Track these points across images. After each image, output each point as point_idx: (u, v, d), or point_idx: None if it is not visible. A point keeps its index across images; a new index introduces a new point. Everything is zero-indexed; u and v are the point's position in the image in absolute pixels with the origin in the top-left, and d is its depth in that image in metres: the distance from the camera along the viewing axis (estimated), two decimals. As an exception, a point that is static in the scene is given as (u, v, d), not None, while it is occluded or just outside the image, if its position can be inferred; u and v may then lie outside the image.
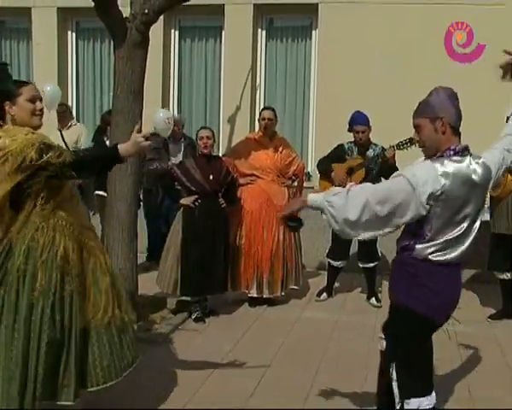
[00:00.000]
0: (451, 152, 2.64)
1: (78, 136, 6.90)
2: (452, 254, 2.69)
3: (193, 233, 5.15)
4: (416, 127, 2.71)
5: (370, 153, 5.74)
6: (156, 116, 6.11)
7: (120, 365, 3.18)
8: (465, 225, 2.68)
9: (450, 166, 2.60)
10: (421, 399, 2.78)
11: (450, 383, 4.09)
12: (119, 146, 2.98)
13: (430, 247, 2.65)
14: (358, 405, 3.69)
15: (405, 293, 2.70)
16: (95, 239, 3.24)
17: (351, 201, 2.54)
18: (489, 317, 5.53)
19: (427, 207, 2.56)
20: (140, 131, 3.04)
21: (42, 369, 2.90)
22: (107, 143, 5.66)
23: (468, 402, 3.82)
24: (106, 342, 3.13)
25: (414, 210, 2.55)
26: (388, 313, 2.93)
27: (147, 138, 3.01)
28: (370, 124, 5.72)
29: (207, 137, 5.22)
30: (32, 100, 3.01)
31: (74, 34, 8.16)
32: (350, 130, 5.77)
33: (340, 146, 5.84)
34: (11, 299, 2.91)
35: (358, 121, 5.69)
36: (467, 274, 6.86)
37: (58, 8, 7.87)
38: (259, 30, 7.56)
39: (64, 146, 3.21)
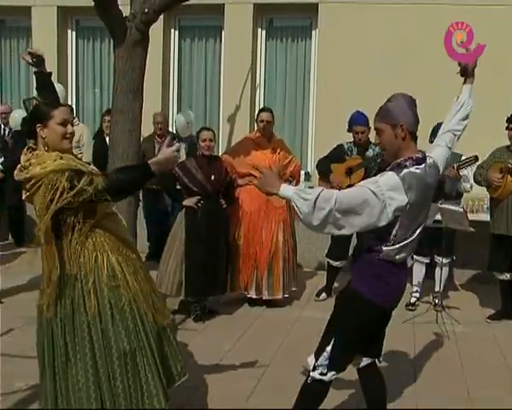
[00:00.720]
0: (413, 162, 2.74)
1: (81, 135, 6.91)
2: (407, 254, 2.88)
3: (196, 234, 5.14)
4: (378, 131, 2.86)
5: (370, 153, 5.74)
6: (177, 120, 6.21)
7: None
8: (420, 228, 2.86)
9: (412, 178, 2.70)
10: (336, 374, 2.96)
11: (449, 383, 4.09)
12: (150, 163, 2.90)
13: (394, 250, 2.81)
14: (356, 404, 3.69)
15: (368, 288, 2.85)
16: (135, 251, 3.21)
17: (316, 211, 2.61)
18: (488, 317, 5.54)
19: (392, 218, 2.68)
20: (170, 145, 2.97)
21: (119, 383, 2.90)
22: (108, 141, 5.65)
23: (466, 402, 3.82)
24: (172, 342, 3.19)
25: (375, 219, 2.67)
26: (342, 295, 3.06)
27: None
28: (370, 124, 5.72)
29: (210, 140, 5.22)
30: (64, 123, 2.97)
31: (74, 33, 8.17)
32: (349, 130, 5.77)
33: (340, 146, 5.84)
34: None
35: (358, 122, 5.68)
36: (467, 274, 6.88)
37: (58, 6, 7.88)
38: (259, 30, 7.56)
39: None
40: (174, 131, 7.42)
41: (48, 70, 3.66)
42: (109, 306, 2.91)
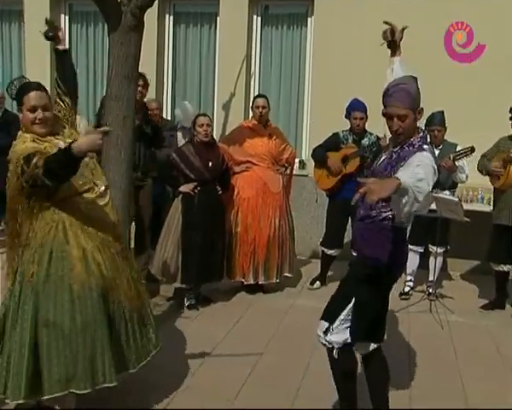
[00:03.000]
0: (425, 141, 2.95)
1: (78, 125, 6.83)
2: (409, 220, 3.05)
3: (193, 221, 5.12)
4: (401, 117, 2.88)
5: (365, 141, 5.73)
6: (184, 108, 6.21)
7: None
8: None
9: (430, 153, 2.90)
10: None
11: (442, 372, 4.10)
12: (72, 145, 2.78)
13: (406, 215, 2.91)
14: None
15: (388, 256, 2.93)
16: (115, 236, 3.25)
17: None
18: (481, 307, 5.55)
19: None
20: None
21: (44, 352, 2.97)
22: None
23: (460, 393, 3.83)
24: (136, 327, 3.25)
25: None
26: (354, 265, 3.15)
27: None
28: (367, 113, 5.70)
29: (207, 125, 5.19)
30: (32, 110, 3.01)
31: (67, 17, 8.07)
32: (347, 116, 5.76)
33: (335, 134, 5.83)
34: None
35: (357, 108, 5.67)
36: (461, 264, 6.89)
37: (51, -10, 7.78)
38: (255, 17, 7.50)
39: None
40: (169, 118, 7.38)
41: (62, 47, 3.58)
42: (45, 273, 2.98)
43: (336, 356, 3.05)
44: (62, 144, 2.96)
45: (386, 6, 6.84)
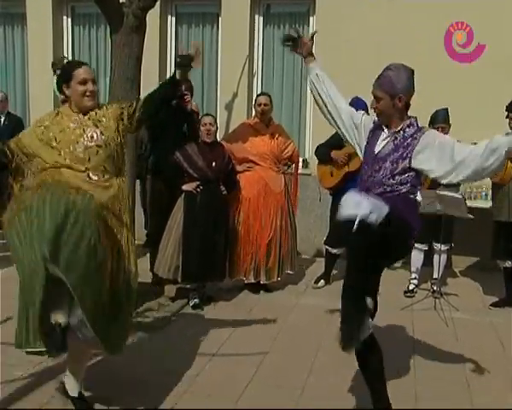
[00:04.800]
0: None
1: None
2: None
3: (194, 220, 5.13)
4: (376, 97, 3.17)
5: (369, 140, 5.73)
6: None
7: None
8: None
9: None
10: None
11: (447, 370, 4.10)
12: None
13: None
14: (356, 393, 3.69)
15: (414, 221, 3.10)
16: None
17: None
18: (491, 304, 5.53)
19: None
20: None
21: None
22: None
23: (465, 389, 3.83)
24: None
25: None
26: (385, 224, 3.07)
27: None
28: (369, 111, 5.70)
29: (210, 124, 5.21)
30: (83, 82, 3.17)
31: (70, 19, 8.09)
32: (350, 115, 5.74)
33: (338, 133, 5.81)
34: None
35: (359, 106, 5.65)
36: (465, 261, 6.90)
37: (53, -7, 7.80)
38: (256, 16, 7.50)
39: None
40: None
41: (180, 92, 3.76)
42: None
43: None
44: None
45: (387, 5, 6.87)
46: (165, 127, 5.34)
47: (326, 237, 6.05)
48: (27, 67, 8.14)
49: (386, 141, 3.14)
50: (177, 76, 3.49)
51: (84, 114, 3.23)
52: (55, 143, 3.14)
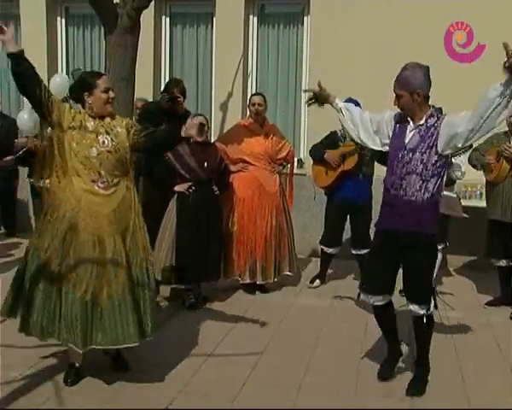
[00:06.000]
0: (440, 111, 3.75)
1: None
2: None
3: (187, 221, 5.13)
4: (397, 95, 3.49)
5: (363, 139, 5.73)
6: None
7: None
8: None
9: None
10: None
11: (443, 368, 4.10)
12: None
13: None
14: (352, 393, 3.70)
15: (436, 229, 3.59)
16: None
17: None
18: (486, 303, 5.55)
19: None
20: None
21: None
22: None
23: (461, 388, 3.84)
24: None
25: None
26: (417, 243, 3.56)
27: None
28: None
29: (201, 124, 5.19)
30: (106, 91, 3.47)
31: (64, 20, 8.08)
32: (343, 117, 5.74)
33: (333, 133, 5.83)
34: None
35: (352, 107, 5.66)
36: (460, 260, 6.92)
37: (46, -7, 7.78)
38: (251, 16, 7.50)
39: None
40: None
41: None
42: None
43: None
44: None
45: (384, 5, 6.86)
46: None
47: (321, 237, 6.06)
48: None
49: (412, 133, 3.49)
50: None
51: (100, 120, 3.49)
52: (75, 145, 3.41)
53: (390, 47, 6.77)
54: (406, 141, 3.49)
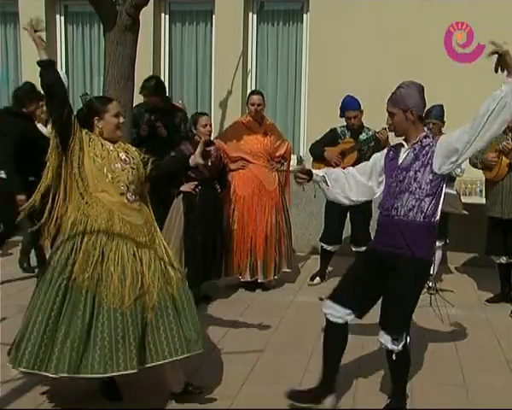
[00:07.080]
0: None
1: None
2: None
3: (195, 220, 5.13)
4: (390, 114, 3.37)
5: (363, 136, 5.73)
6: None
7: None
8: None
9: None
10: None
11: (443, 366, 4.11)
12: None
13: None
14: (353, 391, 3.70)
15: (428, 254, 3.35)
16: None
17: None
18: (487, 300, 5.55)
19: None
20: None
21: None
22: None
23: (461, 386, 3.84)
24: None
25: None
26: (403, 265, 3.27)
27: None
28: (362, 107, 5.70)
29: (210, 125, 5.24)
30: (117, 115, 3.43)
31: (63, 18, 8.06)
32: (342, 115, 5.75)
33: (333, 130, 5.82)
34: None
35: (350, 106, 5.66)
36: (460, 257, 6.91)
37: (46, -9, 7.76)
38: (250, 14, 7.49)
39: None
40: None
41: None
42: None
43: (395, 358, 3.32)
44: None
45: (384, 3, 6.85)
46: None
47: (321, 235, 6.06)
48: (20, 67, 8.10)
49: (406, 153, 3.34)
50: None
51: (113, 144, 3.45)
52: (100, 160, 3.31)
53: (389, 45, 6.76)
54: (400, 162, 3.34)
